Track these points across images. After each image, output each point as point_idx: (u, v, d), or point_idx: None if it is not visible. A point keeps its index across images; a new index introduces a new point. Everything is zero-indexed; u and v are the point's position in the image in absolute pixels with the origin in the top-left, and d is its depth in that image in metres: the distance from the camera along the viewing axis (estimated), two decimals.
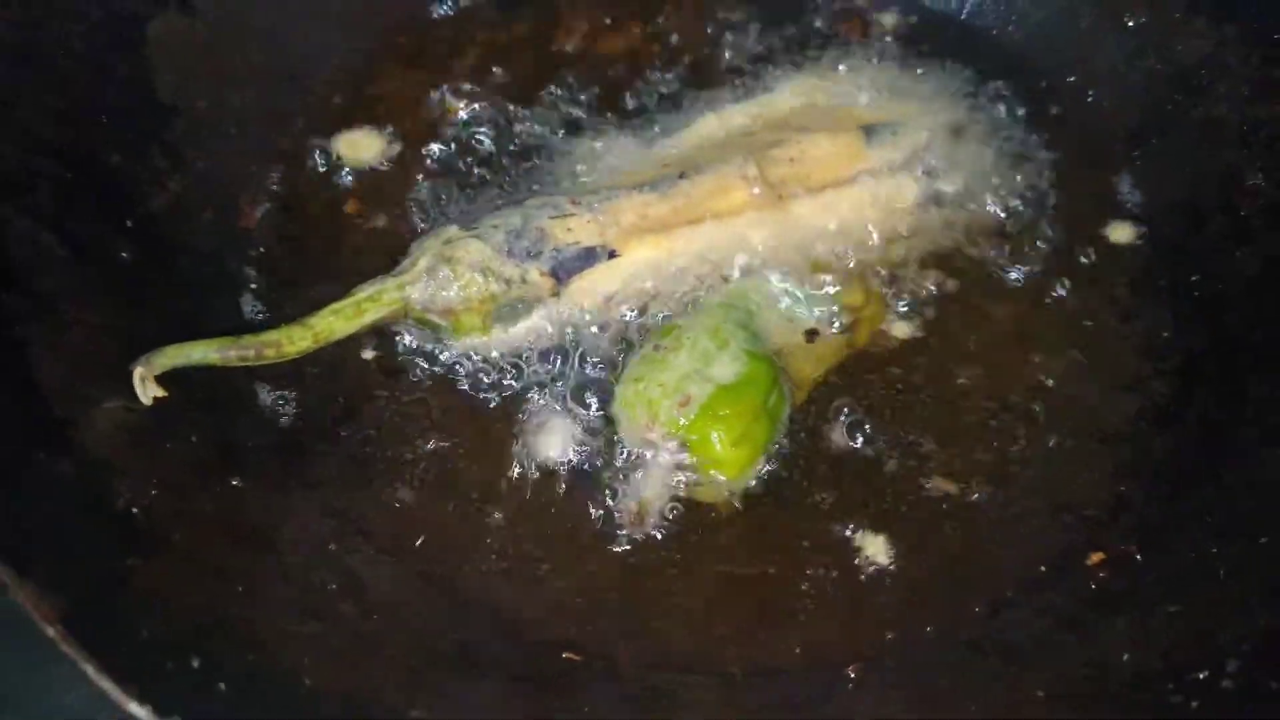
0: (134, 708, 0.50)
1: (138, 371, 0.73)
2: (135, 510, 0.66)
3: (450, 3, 1.05)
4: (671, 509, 0.80)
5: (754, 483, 0.82)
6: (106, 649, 0.53)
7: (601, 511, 0.80)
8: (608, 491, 0.81)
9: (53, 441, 0.66)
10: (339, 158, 0.96)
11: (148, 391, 0.73)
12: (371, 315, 0.82)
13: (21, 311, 0.71)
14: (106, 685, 0.51)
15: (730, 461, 0.80)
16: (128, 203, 0.83)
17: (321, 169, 0.96)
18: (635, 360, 0.85)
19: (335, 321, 0.80)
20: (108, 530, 0.63)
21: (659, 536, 0.79)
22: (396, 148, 0.98)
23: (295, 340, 0.78)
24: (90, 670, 0.51)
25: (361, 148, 0.98)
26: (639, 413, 0.82)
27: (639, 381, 0.83)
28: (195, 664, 0.57)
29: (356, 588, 0.73)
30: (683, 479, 0.81)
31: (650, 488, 0.80)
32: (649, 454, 0.81)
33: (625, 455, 0.82)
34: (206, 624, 0.61)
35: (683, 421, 0.80)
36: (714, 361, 0.82)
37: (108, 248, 0.80)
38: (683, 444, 0.80)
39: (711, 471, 0.81)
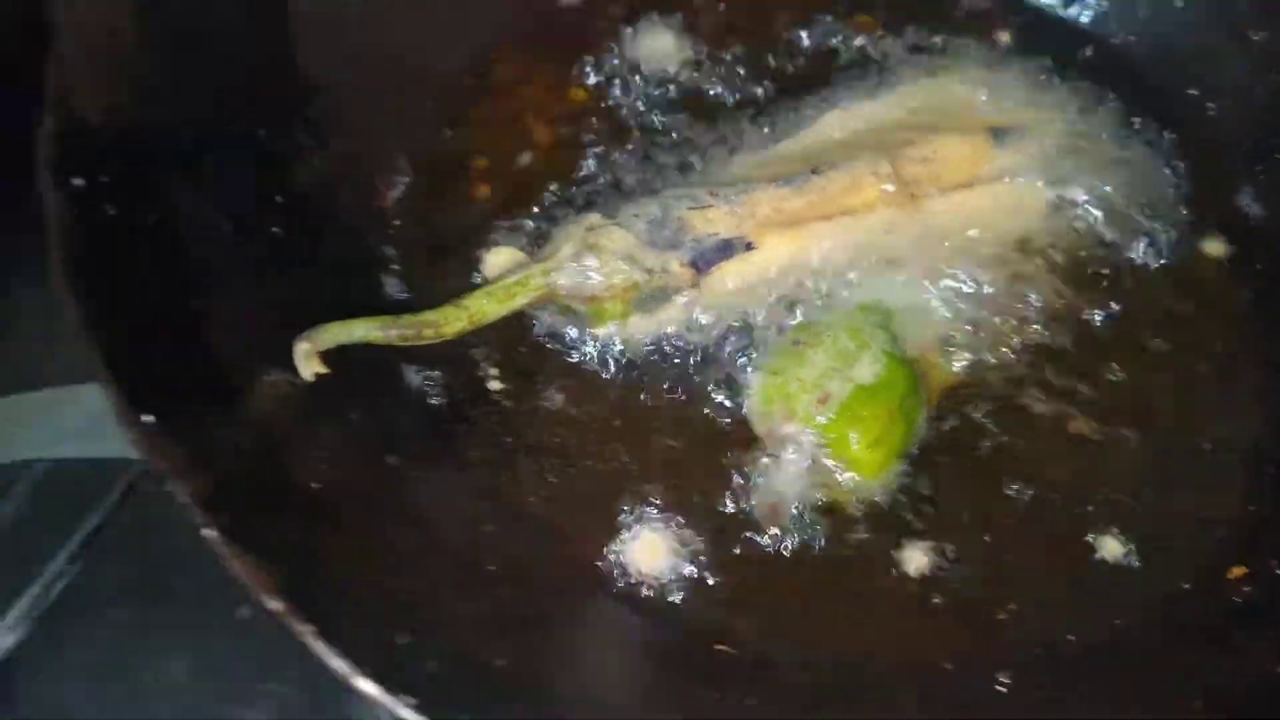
0: (365, 686, 0.50)
1: (302, 347, 0.73)
2: (315, 484, 0.66)
3: None
4: (810, 507, 0.80)
5: (891, 484, 0.82)
6: (327, 622, 0.53)
7: (740, 505, 0.80)
8: (742, 483, 0.81)
9: (234, 413, 0.66)
10: (469, 141, 0.96)
11: (310, 367, 0.73)
12: (521, 299, 0.82)
13: (194, 285, 0.71)
14: (337, 664, 0.50)
15: (867, 462, 0.81)
16: (276, 179, 0.83)
17: (451, 151, 0.96)
18: (772, 354, 0.85)
19: (487, 304, 0.81)
20: (298, 504, 0.63)
21: (807, 534, 0.79)
22: (523, 132, 0.98)
23: (451, 321, 0.79)
24: (320, 648, 0.50)
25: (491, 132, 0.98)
26: (776, 406, 0.82)
27: (777, 375, 0.83)
28: (404, 641, 0.56)
29: (516, 570, 0.73)
30: (818, 477, 0.81)
31: (785, 484, 0.81)
32: (785, 449, 0.82)
33: (760, 448, 0.82)
34: (397, 600, 0.61)
35: (821, 419, 0.81)
36: (853, 361, 0.83)
37: (262, 223, 0.80)
38: (820, 441, 0.81)
39: (848, 471, 0.81)
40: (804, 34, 1.05)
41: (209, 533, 0.53)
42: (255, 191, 0.81)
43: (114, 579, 1.01)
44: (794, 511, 0.79)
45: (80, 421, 1.11)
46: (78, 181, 0.65)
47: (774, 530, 0.79)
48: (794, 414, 0.81)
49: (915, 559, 0.79)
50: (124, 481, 1.03)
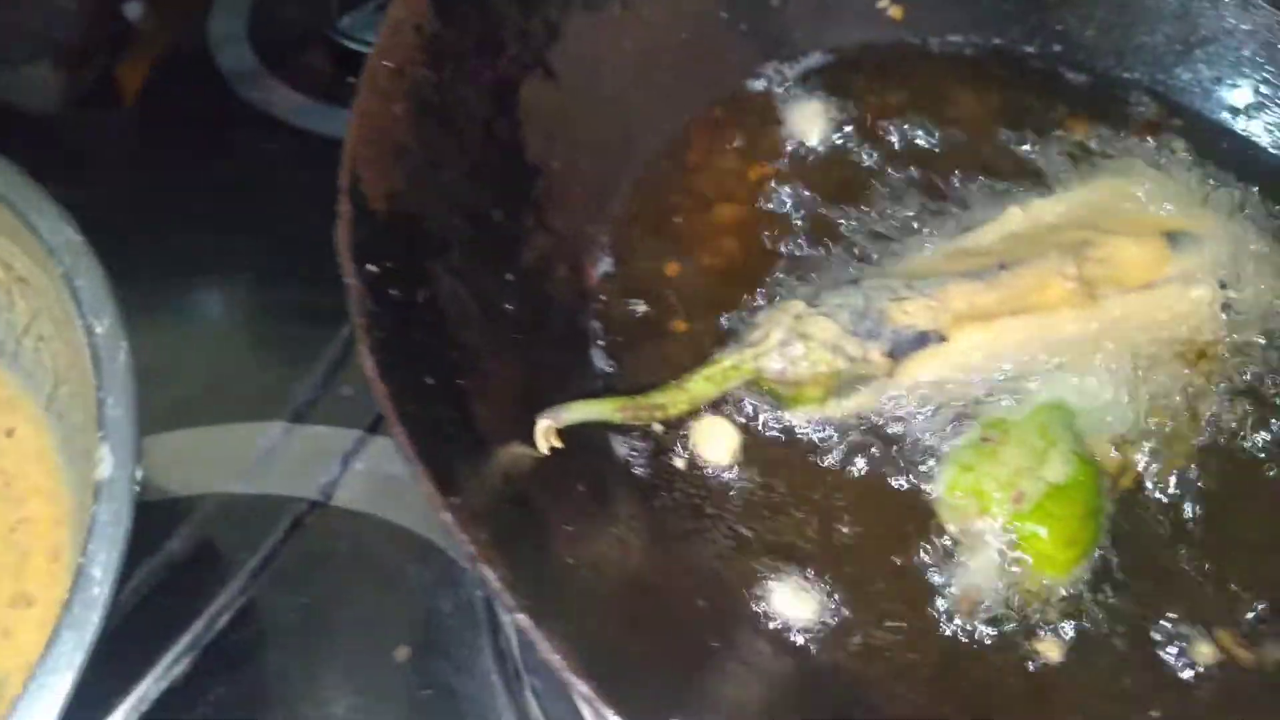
0: None
1: (543, 424, 0.78)
2: (569, 560, 0.71)
3: (770, 79, 1.11)
4: (1003, 601, 0.84)
5: (1079, 584, 0.86)
6: (629, 700, 0.57)
7: (935, 594, 0.84)
8: (939, 578, 0.85)
9: (502, 489, 0.71)
10: (665, 221, 1.02)
11: (548, 441, 0.78)
12: (733, 381, 0.87)
13: (458, 363, 0.76)
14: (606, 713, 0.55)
15: (1061, 561, 0.84)
16: (507, 259, 0.89)
17: (647, 231, 1.01)
18: (961, 448, 0.90)
19: (706, 386, 0.86)
20: (565, 580, 0.68)
21: (999, 627, 0.83)
22: (712, 216, 1.04)
23: (677, 404, 0.84)
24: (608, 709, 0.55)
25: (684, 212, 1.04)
26: (969, 501, 0.86)
27: (969, 471, 0.87)
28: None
29: (729, 643, 0.78)
30: (1011, 574, 0.85)
31: (980, 579, 0.84)
32: (978, 544, 0.86)
33: (951, 543, 0.86)
34: (645, 669, 0.66)
35: (1016, 517, 0.84)
36: (1043, 460, 0.87)
37: (499, 301, 0.85)
38: (1015, 539, 0.85)
39: (1041, 569, 0.85)
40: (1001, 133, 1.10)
41: (520, 618, 0.57)
42: (492, 271, 0.86)
43: (279, 613, 1.07)
44: (988, 605, 0.83)
45: (252, 457, 1.18)
46: (372, 268, 0.71)
47: (968, 621, 0.83)
48: (988, 509, 0.85)
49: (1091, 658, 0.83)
50: (290, 516, 1.09)
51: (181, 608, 1.02)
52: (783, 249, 1.02)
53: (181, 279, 1.28)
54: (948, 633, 0.82)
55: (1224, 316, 0.99)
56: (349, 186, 0.73)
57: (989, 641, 0.82)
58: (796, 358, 0.88)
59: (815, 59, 1.15)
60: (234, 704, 1.02)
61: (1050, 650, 0.82)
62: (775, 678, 0.77)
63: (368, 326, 0.68)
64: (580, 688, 0.56)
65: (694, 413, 0.88)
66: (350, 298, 0.68)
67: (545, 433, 0.79)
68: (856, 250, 1.02)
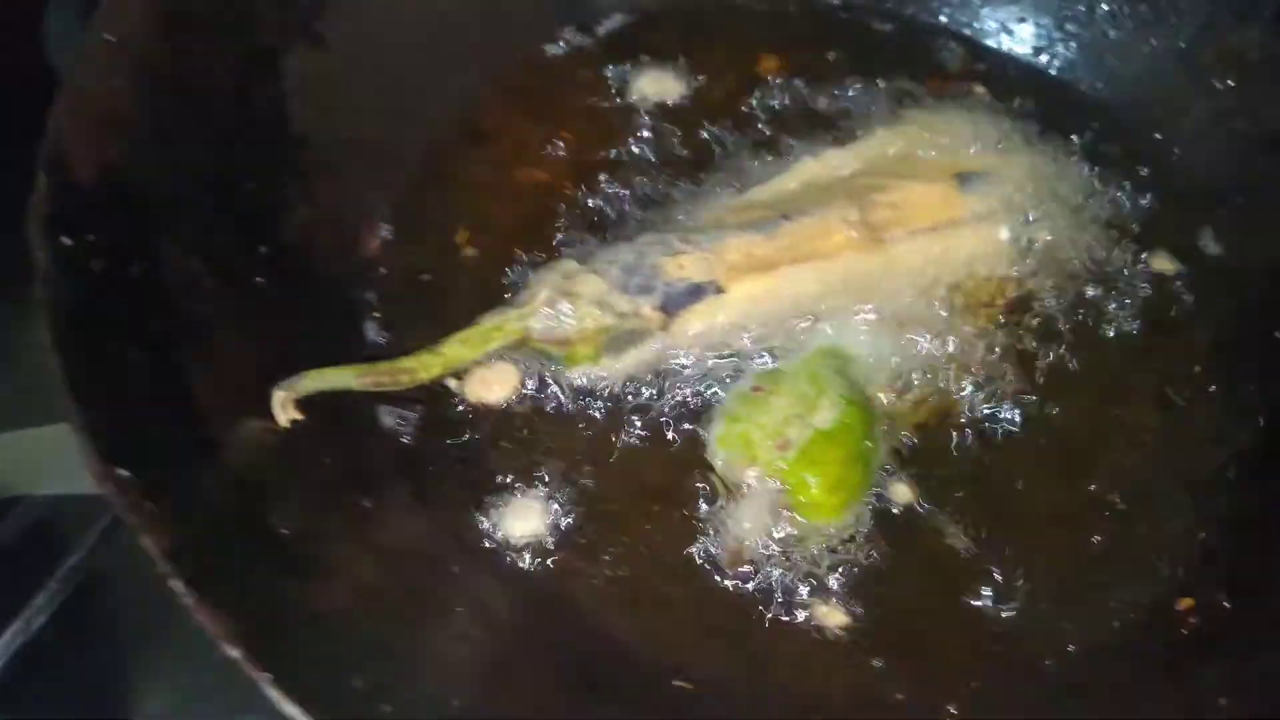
0: None
1: (279, 395, 0.76)
2: (286, 530, 0.69)
3: (568, 43, 1.09)
4: (771, 547, 0.83)
5: (853, 524, 0.84)
6: (284, 668, 0.56)
7: (704, 546, 0.83)
8: (707, 527, 0.84)
9: (211, 462, 0.69)
10: (453, 190, 1.00)
11: (287, 414, 0.76)
12: (495, 343, 0.86)
13: (178, 335, 0.74)
14: (290, 709, 0.53)
15: (827, 506, 0.83)
16: (261, 230, 0.87)
17: (435, 199, 0.99)
18: (733, 399, 0.88)
19: (463, 349, 0.84)
20: (266, 550, 0.66)
21: (766, 574, 0.81)
22: (507, 181, 1.02)
23: (428, 367, 0.82)
24: (276, 694, 0.54)
25: (474, 181, 1.02)
26: (737, 452, 0.85)
27: (737, 422, 0.86)
28: (357, 684, 0.60)
29: (483, 610, 0.76)
30: (779, 521, 0.83)
31: (745, 527, 0.83)
32: (746, 494, 0.84)
33: (723, 493, 0.85)
34: (356, 643, 0.65)
35: (781, 465, 0.83)
36: (813, 406, 0.86)
37: (246, 274, 0.83)
38: (781, 486, 0.83)
39: (809, 515, 0.83)
40: (781, 86, 1.08)
41: (174, 583, 0.56)
42: (240, 243, 0.84)
43: (96, 614, 1.04)
44: (755, 553, 0.82)
45: (70, 458, 1.15)
46: (66, 240, 0.68)
47: (737, 572, 0.81)
48: (755, 459, 0.83)
49: (867, 600, 0.82)
50: (108, 517, 1.06)
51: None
52: (578, 213, 1.00)
53: None
54: (715, 583, 0.81)
55: (1018, 256, 0.98)
56: (50, 159, 0.71)
57: (751, 588, 0.81)
58: (563, 316, 0.87)
59: (616, 20, 1.13)
60: (50, 709, 0.99)
61: (821, 609, 0.81)
62: (516, 621, 0.76)
63: (52, 299, 0.65)
64: (232, 651, 0.54)
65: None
66: (35, 266, 0.66)
67: (282, 404, 0.77)
68: (651, 209, 1.00)
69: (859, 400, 0.87)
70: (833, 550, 0.83)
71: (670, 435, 0.87)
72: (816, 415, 0.85)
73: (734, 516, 0.84)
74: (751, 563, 0.82)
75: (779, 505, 0.83)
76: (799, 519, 0.83)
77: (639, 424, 0.88)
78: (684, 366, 0.90)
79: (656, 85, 1.10)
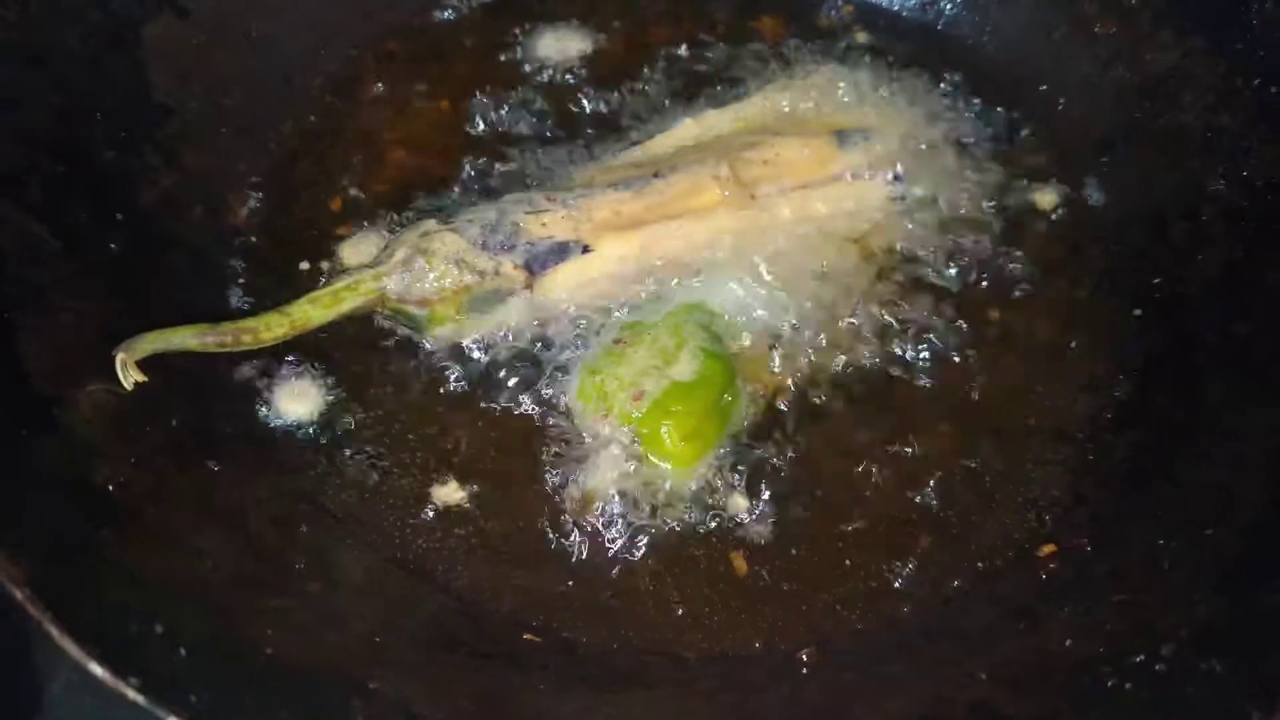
0: (94, 668, 0.53)
1: (120, 356, 0.76)
2: (111, 487, 0.69)
3: (450, 10, 1.08)
4: (623, 497, 0.82)
5: (708, 473, 0.84)
6: (70, 612, 0.55)
7: (560, 499, 0.82)
8: (560, 477, 0.83)
9: (36, 421, 0.69)
10: (326, 157, 1.00)
11: (129, 376, 0.76)
12: (348, 304, 0.85)
13: (11, 298, 0.74)
14: (69, 646, 0.53)
15: (679, 455, 0.83)
16: (119, 198, 0.86)
17: (307, 166, 0.99)
18: (595, 353, 0.88)
19: (312, 310, 0.84)
20: (83, 504, 0.66)
21: (617, 525, 0.81)
22: (381, 147, 1.01)
23: (272, 327, 0.82)
24: (54, 632, 0.53)
25: (347, 148, 1.01)
26: (593, 404, 0.85)
27: (595, 374, 0.86)
28: (159, 629, 0.59)
29: (326, 568, 0.76)
30: (630, 470, 0.83)
31: (597, 477, 0.83)
32: (600, 444, 0.84)
33: (579, 444, 0.85)
34: (173, 595, 0.64)
35: (635, 414, 0.83)
36: (672, 359, 0.85)
37: (98, 240, 0.83)
38: (634, 436, 0.83)
39: (660, 464, 0.83)
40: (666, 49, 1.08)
41: None
42: (92, 211, 0.83)
43: None
44: (606, 503, 0.81)
45: None
46: None
47: (585, 520, 0.81)
48: (610, 410, 0.83)
49: (737, 551, 0.81)
50: None
51: None
52: (454, 178, 0.99)
53: None
54: (566, 535, 0.81)
55: (896, 210, 0.97)
56: None
57: (603, 536, 0.81)
58: (419, 274, 0.86)
59: None
60: None
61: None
62: (362, 579, 0.76)
63: None
64: (17, 593, 0.54)
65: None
66: None
67: (123, 366, 0.76)
68: (529, 171, 1.00)
69: (720, 353, 0.86)
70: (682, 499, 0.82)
71: (531, 393, 0.86)
72: (674, 367, 0.85)
73: (585, 466, 0.83)
74: (600, 511, 0.81)
75: (631, 455, 0.82)
76: (651, 468, 0.82)
77: (499, 384, 0.87)
78: (550, 325, 0.89)
79: (553, 47, 1.09)
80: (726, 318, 0.89)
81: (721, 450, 0.84)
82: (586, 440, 0.84)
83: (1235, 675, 0.64)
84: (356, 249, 0.94)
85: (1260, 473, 0.76)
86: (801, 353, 0.90)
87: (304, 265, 0.93)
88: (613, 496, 0.81)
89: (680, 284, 0.91)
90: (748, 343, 0.89)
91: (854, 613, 0.79)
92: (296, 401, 0.85)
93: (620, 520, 0.81)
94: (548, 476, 0.83)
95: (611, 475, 0.82)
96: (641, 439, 0.82)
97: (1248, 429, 0.81)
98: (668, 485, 0.83)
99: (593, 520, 0.81)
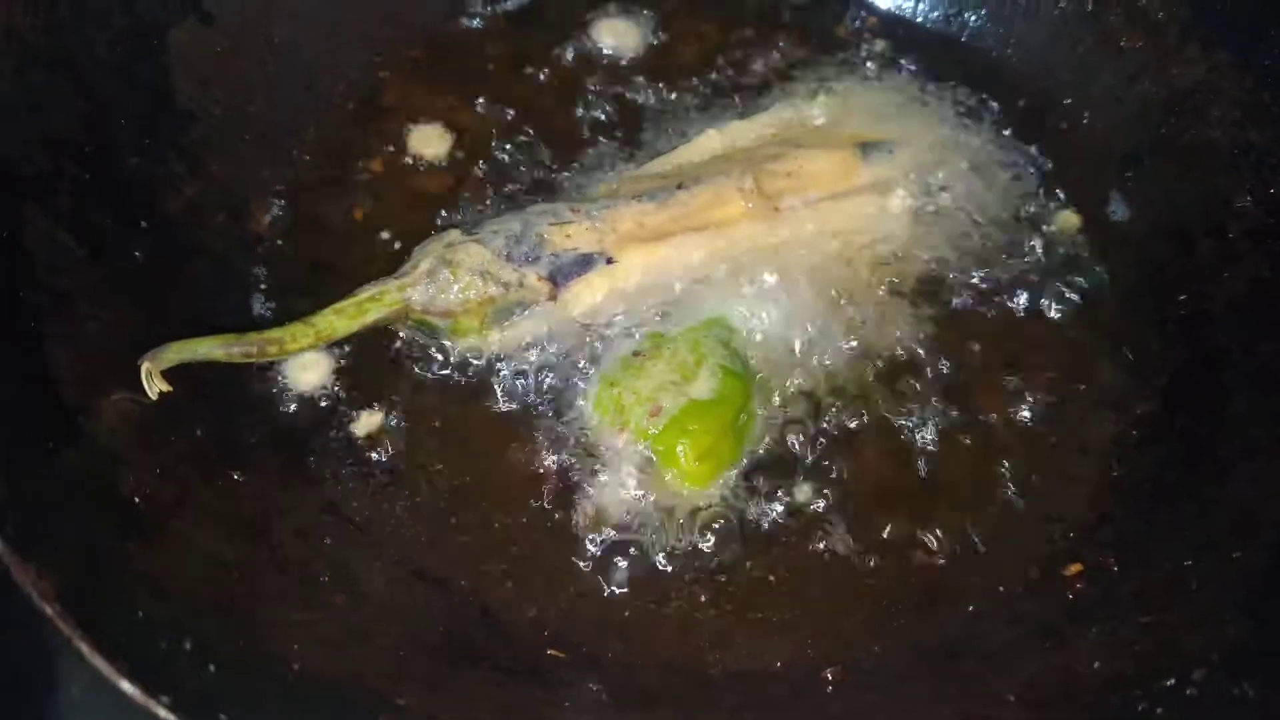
0: (125, 686, 0.52)
1: (145, 366, 0.76)
2: (138, 499, 0.68)
3: (476, 18, 1.08)
4: (643, 518, 0.82)
5: (726, 490, 0.83)
6: (100, 628, 0.55)
7: (574, 511, 0.82)
8: (576, 491, 0.83)
9: (63, 430, 0.69)
10: (350, 165, 1.00)
11: (154, 386, 0.76)
12: (373, 315, 0.85)
13: (39, 306, 0.74)
14: (99, 663, 0.53)
15: (694, 474, 0.82)
16: (144, 204, 0.86)
17: (331, 174, 0.99)
18: (614, 365, 0.87)
19: (337, 321, 0.83)
20: (110, 516, 0.66)
21: (641, 541, 0.81)
22: (407, 155, 1.01)
23: (298, 338, 0.81)
24: (84, 649, 0.53)
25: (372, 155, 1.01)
26: (611, 417, 0.84)
27: (613, 386, 0.85)
28: (188, 646, 0.59)
29: (350, 580, 0.75)
30: (646, 487, 0.82)
31: (612, 492, 0.82)
32: (616, 458, 0.83)
33: (596, 457, 0.84)
34: (200, 608, 0.64)
35: (651, 431, 0.82)
36: (691, 375, 0.84)
37: (123, 247, 0.83)
38: (650, 452, 0.83)
39: (677, 482, 0.82)
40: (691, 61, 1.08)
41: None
42: (117, 218, 0.83)
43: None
44: (621, 520, 0.81)
45: None
46: None
47: (598, 535, 0.80)
48: (626, 424, 0.83)
49: (742, 567, 0.81)
50: None
51: None
52: (478, 187, 0.99)
53: None
54: (574, 549, 0.81)
55: (921, 221, 0.97)
56: None
57: (601, 553, 0.80)
58: (444, 285, 0.86)
59: None
60: None
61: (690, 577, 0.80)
62: (384, 592, 0.76)
63: None
64: (47, 608, 0.53)
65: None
66: None
67: (148, 376, 0.76)
68: (556, 182, 1.00)
69: (739, 372, 0.86)
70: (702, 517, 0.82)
71: (551, 405, 0.86)
72: (693, 384, 0.84)
73: (600, 480, 0.83)
74: (614, 527, 0.81)
75: (646, 471, 0.82)
76: (666, 486, 0.82)
77: (520, 396, 0.86)
78: (573, 336, 0.89)
79: (579, 56, 1.09)
80: (746, 334, 0.89)
81: (742, 467, 0.83)
82: (602, 453, 0.83)
83: (1268, 700, 0.63)
84: None
85: None
86: (821, 369, 0.89)
87: (325, 272, 0.93)
88: (625, 511, 0.81)
89: (701, 298, 0.91)
90: (768, 356, 0.89)
91: (879, 631, 0.79)
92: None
93: (636, 537, 0.80)
94: (567, 489, 0.82)
95: (625, 490, 0.81)
96: (657, 455, 0.82)
97: (1272, 449, 0.80)
98: (683, 503, 0.82)
99: (608, 535, 0.80)
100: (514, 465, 0.84)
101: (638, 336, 0.89)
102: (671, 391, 0.83)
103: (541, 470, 0.83)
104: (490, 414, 0.86)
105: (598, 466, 0.83)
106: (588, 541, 0.80)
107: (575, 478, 0.83)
